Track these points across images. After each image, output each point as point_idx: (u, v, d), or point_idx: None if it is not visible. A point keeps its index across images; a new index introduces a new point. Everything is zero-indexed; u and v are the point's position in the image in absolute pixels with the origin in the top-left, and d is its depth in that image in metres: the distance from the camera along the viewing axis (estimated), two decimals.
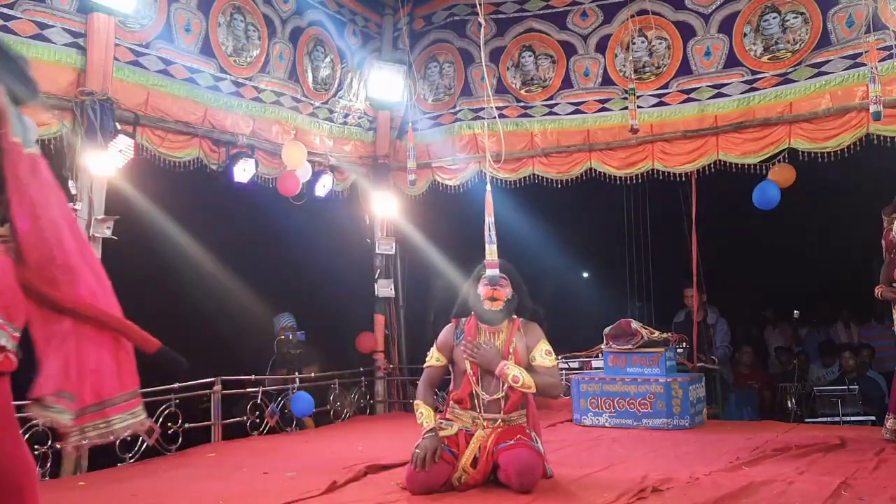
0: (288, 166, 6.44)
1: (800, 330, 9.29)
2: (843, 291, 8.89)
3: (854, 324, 8.70)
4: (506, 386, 3.89)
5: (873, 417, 6.49)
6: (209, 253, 6.82)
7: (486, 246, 4.03)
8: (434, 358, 4.03)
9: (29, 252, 2.13)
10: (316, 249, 7.34)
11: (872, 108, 5.32)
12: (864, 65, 5.60)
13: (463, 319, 4.11)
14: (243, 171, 6.09)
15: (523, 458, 3.67)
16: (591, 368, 6.93)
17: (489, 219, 4.12)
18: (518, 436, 3.80)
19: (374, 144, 7.61)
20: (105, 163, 5.08)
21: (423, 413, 3.88)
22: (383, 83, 7.24)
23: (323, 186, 6.88)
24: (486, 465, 3.75)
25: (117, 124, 5.20)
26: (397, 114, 7.60)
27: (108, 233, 5.14)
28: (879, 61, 5.36)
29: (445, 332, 4.07)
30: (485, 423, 3.88)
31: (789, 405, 7.27)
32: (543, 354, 3.91)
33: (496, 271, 4.02)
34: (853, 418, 6.31)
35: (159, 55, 5.63)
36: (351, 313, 7.99)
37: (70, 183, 5.03)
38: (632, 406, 5.85)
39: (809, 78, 6.00)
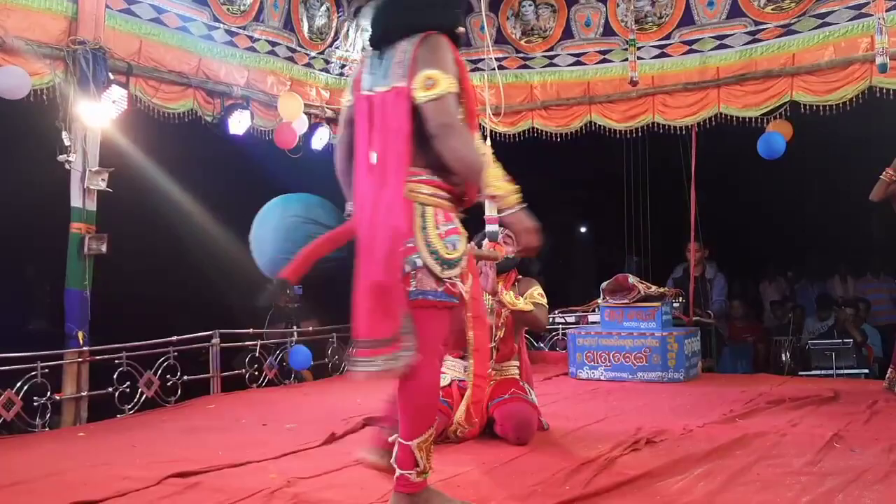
0: (284, 118, 6.37)
1: (796, 284, 9.35)
2: (840, 246, 8.92)
3: (851, 277, 8.73)
4: (497, 336, 3.92)
5: (866, 371, 6.57)
6: (205, 206, 6.80)
7: (486, 202, 4.02)
8: None
9: None
10: None
11: (878, 60, 5.24)
12: (869, 15, 5.51)
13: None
14: (238, 123, 6.03)
15: (519, 412, 3.71)
16: (587, 323, 6.97)
17: None
18: (512, 389, 3.84)
19: None
20: (98, 114, 5.03)
21: None
22: None
23: (320, 139, 6.81)
24: (482, 419, 3.79)
25: (110, 74, 5.12)
26: None
27: (102, 185, 5.11)
28: (886, 11, 5.28)
29: None
30: None
31: (783, 358, 7.35)
32: (535, 295, 3.94)
33: (495, 227, 4.00)
34: (847, 371, 6.38)
35: (151, 3, 5.52)
36: (349, 267, 7.99)
37: (63, 134, 4.98)
38: (627, 360, 5.90)
39: (813, 29, 5.91)
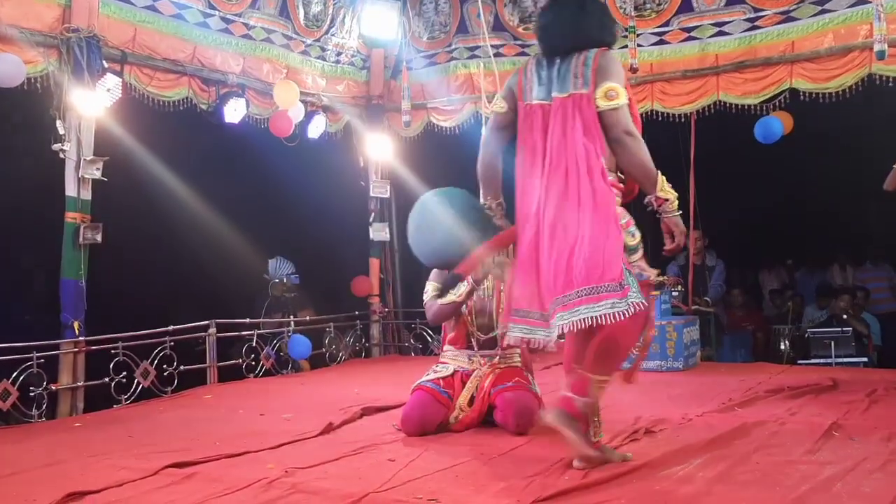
0: (280, 106, 6.34)
1: (796, 273, 9.34)
2: (840, 234, 8.91)
3: (850, 266, 8.74)
4: (500, 323, 3.92)
5: (865, 359, 6.57)
6: (201, 195, 6.78)
7: (481, 190, 4.00)
8: (435, 290, 3.98)
9: None
10: (310, 192, 7.29)
11: (877, 47, 5.23)
12: (868, 2, 5.48)
13: None
14: (234, 111, 6.00)
15: (521, 400, 3.71)
16: None
17: None
18: (516, 378, 3.84)
19: (368, 84, 7.49)
20: (93, 102, 5.00)
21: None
22: (377, 20, 7.08)
23: (316, 127, 6.79)
24: (482, 405, 3.79)
25: (104, 62, 5.10)
26: (391, 52, 7.46)
27: (97, 174, 5.09)
28: None
29: (439, 272, 4.06)
30: (481, 362, 3.91)
31: (782, 347, 7.36)
32: None
33: None
34: (846, 360, 6.38)
35: None
36: (346, 257, 7.99)
37: (58, 123, 4.96)
38: None
39: (812, 16, 5.88)
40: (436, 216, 3.03)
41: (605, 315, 2.71)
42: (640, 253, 2.93)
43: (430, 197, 3.19)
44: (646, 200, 2.91)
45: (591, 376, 2.89)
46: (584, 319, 2.74)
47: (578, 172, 2.81)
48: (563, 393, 2.98)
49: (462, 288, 3.79)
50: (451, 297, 3.81)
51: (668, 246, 2.96)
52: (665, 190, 2.88)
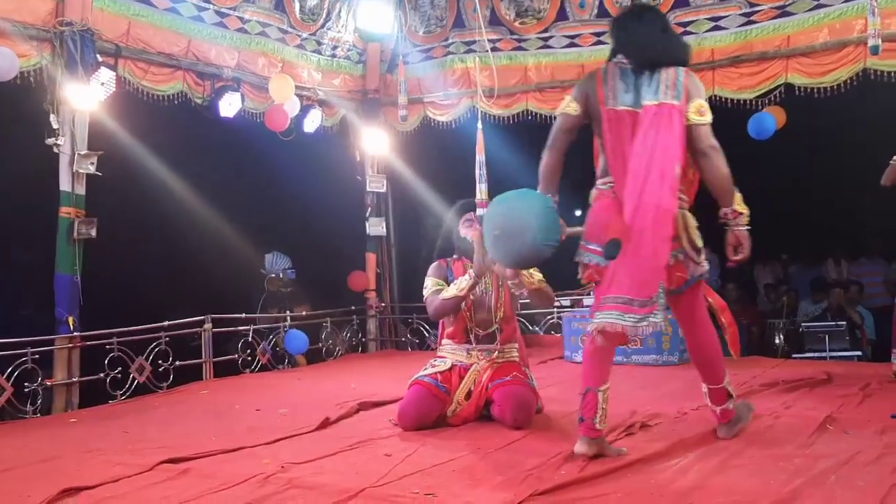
0: (275, 100, 6.33)
1: (790, 267, 9.36)
2: (835, 229, 8.93)
3: (845, 261, 8.76)
4: (498, 318, 3.93)
5: (859, 353, 6.59)
6: (196, 190, 6.77)
7: (477, 184, 4.00)
8: (436, 285, 3.98)
9: None
10: (306, 187, 7.28)
11: (871, 42, 5.24)
12: None
13: (449, 259, 4.10)
14: (229, 106, 5.98)
15: (519, 395, 3.71)
16: (582, 306, 6.98)
17: (480, 157, 4.08)
18: (513, 373, 3.84)
19: (364, 78, 7.48)
20: (87, 96, 4.98)
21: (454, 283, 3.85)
22: (373, 14, 7.06)
23: (311, 122, 6.78)
24: (480, 400, 3.80)
25: (98, 56, 5.08)
26: (387, 46, 7.43)
27: (91, 169, 5.08)
28: None
29: (438, 268, 4.07)
30: (479, 356, 3.92)
31: (777, 341, 7.37)
32: (533, 272, 3.91)
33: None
34: (840, 354, 6.40)
35: None
36: (342, 252, 7.98)
37: (52, 117, 4.94)
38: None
39: (808, 10, 5.88)
40: (523, 217, 3.08)
41: (635, 327, 3.01)
42: (703, 253, 3.22)
43: (512, 197, 3.22)
44: (721, 213, 3.13)
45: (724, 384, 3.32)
46: (624, 325, 3.01)
47: (662, 179, 3.02)
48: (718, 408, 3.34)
49: (464, 282, 3.80)
50: (454, 291, 3.82)
51: (734, 258, 3.15)
52: (741, 204, 3.12)
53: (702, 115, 3.09)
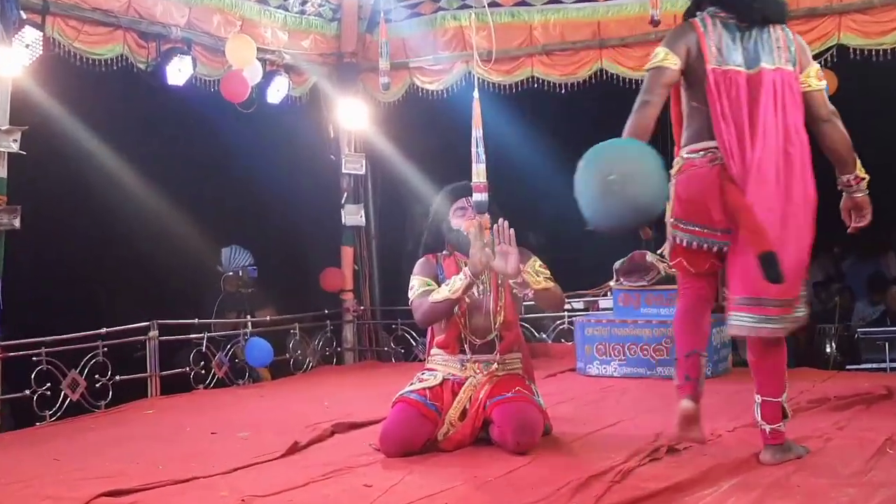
0: (233, 65, 6.30)
1: (844, 262, 9.37)
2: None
3: None
4: (498, 323, 3.92)
5: None
6: (140, 172, 6.76)
7: (473, 165, 3.99)
8: (424, 285, 3.96)
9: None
10: (270, 168, 7.26)
11: None
12: None
13: (439, 255, 4.10)
14: (178, 72, 5.96)
15: (522, 413, 3.71)
16: (597, 309, 6.99)
17: (477, 132, 4.06)
18: (516, 388, 3.84)
19: (339, 39, 7.46)
20: (8, 60, 4.95)
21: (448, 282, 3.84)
22: None
23: (276, 91, 6.76)
24: (476, 420, 3.79)
25: (22, 13, 5.04)
26: (366, 1, 7.42)
27: (14, 147, 5.04)
28: None
29: (426, 265, 4.06)
30: (476, 368, 3.91)
31: (828, 350, 7.40)
32: (538, 267, 3.91)
33: (484, 197, 3.98)
34: None
35: None
36: (313, 245, 7.98)
37: None
38: (645, 353, 5.93)
39: None
40: (646, 160, 3.12)
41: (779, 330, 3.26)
42: None
43: (620, 142, 3.30)
44: (844, 180, 3.43)
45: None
46: (770, 329, 3.24)
47: (803, 165, 3.27)
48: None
49: (458, 283, 3.78)
50: (445, 293, 3.80)
51: (857, 223, 3.53)
52: (862, 169, 3.41)
53: (820, 79, 3.36)
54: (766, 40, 3.31)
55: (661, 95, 3.36)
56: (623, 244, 7.18)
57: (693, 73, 3.32)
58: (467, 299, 3.91)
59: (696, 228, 3.31)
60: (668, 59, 3.32)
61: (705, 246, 3.31)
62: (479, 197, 3.97)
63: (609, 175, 3.07)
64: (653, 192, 3.07)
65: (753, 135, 3.23)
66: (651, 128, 3.34)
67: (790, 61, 3.30)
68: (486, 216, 3.93)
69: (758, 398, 3.38)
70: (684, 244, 3.36)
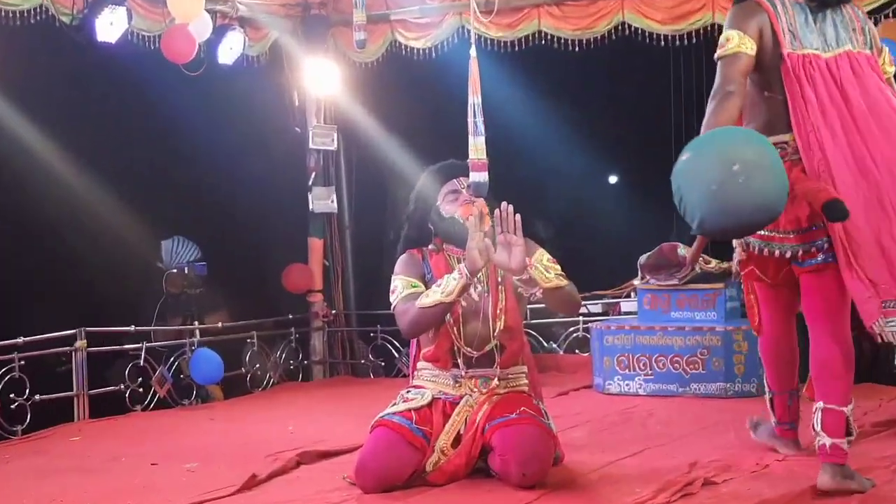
0: (176, 19, 6.27)
1: None
2: None
3: None
4: (499, 331, 3.91)
5: None
6: (64, 149, 6.72)
7: (470, 138, 3.98)
8: (409, 286, 3.95)
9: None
10: (221, 144, 7.25)
11: None
12: None
13: (425, 249, 4.08)
14: (109, 26, 5.94)
15: (528, 439, 3.70)
16: (619, 313, 6.99)
17: (474, 99, 4.05)
18: (521, 408, 3.83)
19: None
20: None
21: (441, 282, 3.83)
22: None
23: (229, 49, 6.74)
24: (473, 448, 3.78)
25: None
26: None
27: None
28: None
29: (411, 263, 4.04)
30: (472, 385, 3.91)
31: None
32: (546, 262, 3.88)
33: (484, 177, 3.97)
34: None
35: None
36: (274, 236, 7.97)
37: None
38: (676, 366, 5.93)
39: None
40: (770, 151, 3.20)
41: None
42: None
43: (748, 131, 3.44)
44: None
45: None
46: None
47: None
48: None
49: (452, 283, 3.75)
50: (437, 296, 3.77)
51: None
52: None
53: (892, 64, 3.66)
54: (841, 22, 3.51)
55: (742, 85, 3.46)
56: (647, 235, 7.20)
57: (764, 57, 3.46)
58: (462, 302, 3.90)
59: (766, 233, 3.43)
60: (744, 45, 3.43)
61: (777, 252, 3.45)
62: (478, 177, 3.95)
63: (733, 165, 3.09)
64: (779, 186, 3.14)
65: (836, 126, 3.36)
66: (735, 120, 3.47)
67: (867, 45, 3.52)
68: (483, 201, 3.92)
69: (819, 405, 3.44)
70: (756, 250, 3.52)
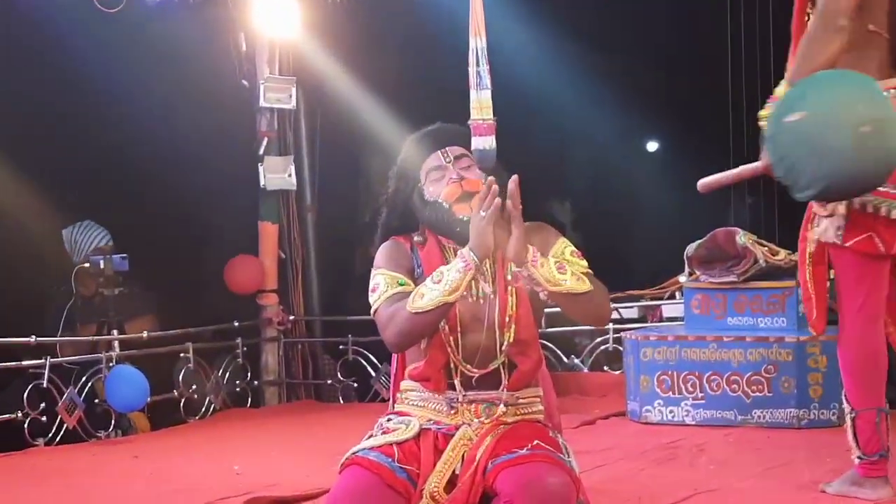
0: None
1: None
2: None
3: None
4: (507, 343, 3.89)
5: None
6: None
7: (472, 93, 3.97)
8: (395, 284, 3.94)
9: None
10: (145, 101, 7.24)
11: None
12: None
13: (414, 238, 4.07)
14: None
15: (542, 481, 3.70)
16: (659, 320, 7.01)
17: (477, 42, 4.05)
18: (534, 441, 3.83)
19: None
20: None
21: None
22: None
23: None
24: (472, 493, 3.77)
25: None
26: None
27: None
28: None
29: (396, 253, 4.03)
30: (472, 412, 3.91)
31: None
32: (569, 255, 3.87)
33: (491, 143, 3.95)
34: None
35: None
36: (215, 221, 7.96)
37: None
38: (734, 387, 5.93)
39: None
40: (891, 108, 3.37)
41: None
42: None
43: (865, 78, 3.52)
44: None
45: None
46: None
47: None
48: None
49: (455, 274, 3.71)
50: (437, 293, 3.73)
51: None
52: None
53: None
54: None
55: (845, 25, 3.57)
56: (697, 218, 7.20)
57: None
58: (459, 305, 3.89)
59: (883, 189, 3.54)
60: None
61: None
62: (483, 143, 3.90)
63: (861, 125, 3.22)
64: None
65: None
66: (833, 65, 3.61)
67: None
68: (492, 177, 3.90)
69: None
70: (883, 212, 3.64)
